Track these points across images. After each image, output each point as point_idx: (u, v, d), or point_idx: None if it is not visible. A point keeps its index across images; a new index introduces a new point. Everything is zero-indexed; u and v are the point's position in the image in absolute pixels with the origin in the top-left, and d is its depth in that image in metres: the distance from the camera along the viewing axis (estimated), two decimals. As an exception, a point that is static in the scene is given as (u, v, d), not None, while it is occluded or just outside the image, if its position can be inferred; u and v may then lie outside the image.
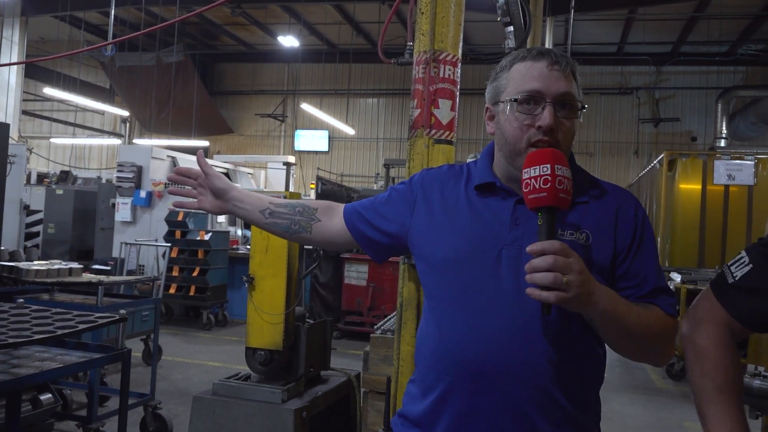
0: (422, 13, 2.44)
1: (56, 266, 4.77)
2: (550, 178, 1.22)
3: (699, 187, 8.30)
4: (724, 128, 13.20)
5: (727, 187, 8.15)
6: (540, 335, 1.30)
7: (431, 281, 1.46)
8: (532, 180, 1.24)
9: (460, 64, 2.48)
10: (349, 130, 16.44)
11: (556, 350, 1.31)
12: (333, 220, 1.61)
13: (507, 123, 1.38)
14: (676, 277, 6.94)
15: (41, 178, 14.61)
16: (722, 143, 12.96)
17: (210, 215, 9.89)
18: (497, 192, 1.42)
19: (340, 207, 1.64)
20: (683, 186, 8.39)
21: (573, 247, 1.29)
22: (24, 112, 15.01)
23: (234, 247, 9.52)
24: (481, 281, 1.35)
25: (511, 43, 4.23)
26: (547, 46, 9.65)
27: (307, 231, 1.61)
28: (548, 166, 1.23)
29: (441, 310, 1.41)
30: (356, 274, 8.19)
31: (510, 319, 1.32)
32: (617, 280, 1.36)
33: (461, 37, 2.49)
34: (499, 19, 4.16)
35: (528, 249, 1.20)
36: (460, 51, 2.48)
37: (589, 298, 1.21)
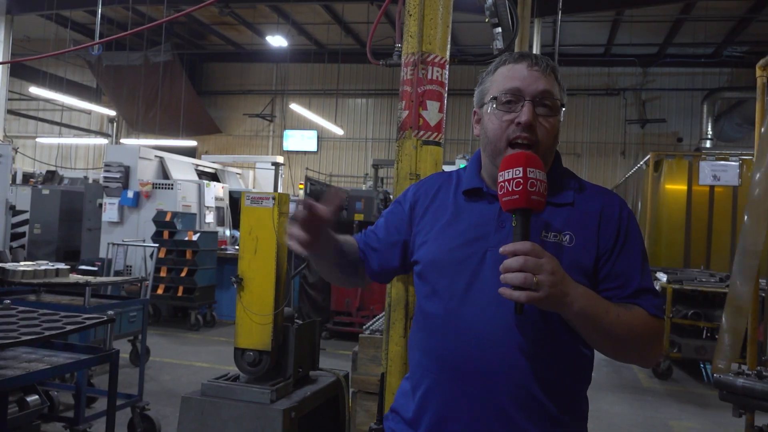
0: (410, 15, 2.45)
1: (43, 267, 4.73)
2: (522, 181, 1.25)
3: (685, 187, 8.38)
4: (709, 129, 13.34)
5: (712, 187, 8.23)
6: (520, 336, 1.32)
7: (420, 282, 1.49)
8: (506, 183, 1.27)
9: (448, 66, 2.49)
10: (338, 131, 16.42)
11: (537, 350, 1.32)
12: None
13: (489, 122, 1.42)
14: (662, 277, 7.02)
15: (27, 178, 14.46)
16: (708, 144, 13.10)
17: (197, 216, 9.85)
18: (484, 196, 1.45)
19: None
20: (669, 186, 8.46)
21: (556, 249, 1.32)
22: (9, 112, 14.86)
23: (222, 247, 9.49)
24: (465, 282, 1.38)
25: (499, 44, 4.26)
26: (534, 47, 9.71)
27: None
28: (520, 169, 1.26)
29: (427, 309, 1.44)
30: (345, 275, 8.17)
31: (491, 319, 1.34)
32: (601, 281, 1.37)
33: (449, 39, 2.51)
34: (487, 20, 4.18)
35: (500, 250, 1.23)
36: (447, 53, 2.49)
37: (563, 298, 1.22)
